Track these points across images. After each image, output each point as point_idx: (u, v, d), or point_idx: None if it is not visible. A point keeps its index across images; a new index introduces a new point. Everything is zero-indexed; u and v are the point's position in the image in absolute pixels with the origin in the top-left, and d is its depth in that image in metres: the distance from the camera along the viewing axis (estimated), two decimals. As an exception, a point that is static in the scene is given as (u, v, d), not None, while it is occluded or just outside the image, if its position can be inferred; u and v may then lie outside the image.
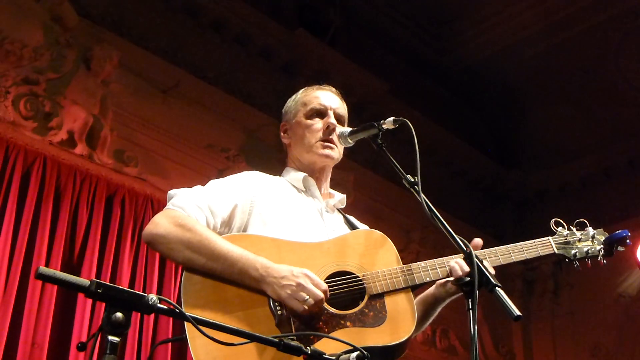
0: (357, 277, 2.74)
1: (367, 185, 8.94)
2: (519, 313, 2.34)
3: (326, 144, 3.10)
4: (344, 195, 3.24)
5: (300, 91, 3.32)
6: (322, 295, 2.57)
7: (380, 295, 2.71)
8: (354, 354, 2.15)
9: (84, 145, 6.63)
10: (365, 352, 2.14)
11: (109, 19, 7.32)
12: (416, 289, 2.84)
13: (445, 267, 2.80)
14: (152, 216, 2.91)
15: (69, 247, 6.16)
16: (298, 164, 3.18)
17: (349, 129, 3.06)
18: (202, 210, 2.80)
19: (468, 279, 2.44)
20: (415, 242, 9.41)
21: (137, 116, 7.24)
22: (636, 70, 10.14)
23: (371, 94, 9.11)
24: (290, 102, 3.31)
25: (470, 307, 2.38)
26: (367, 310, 2.67)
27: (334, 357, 2.16)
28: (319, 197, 3.13)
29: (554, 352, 10.53)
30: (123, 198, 6.62)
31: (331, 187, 3.28)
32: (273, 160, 7.72)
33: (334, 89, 3.30)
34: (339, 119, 3.18)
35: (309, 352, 2.09)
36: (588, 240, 3.04)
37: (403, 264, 2.83)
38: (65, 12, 6.77)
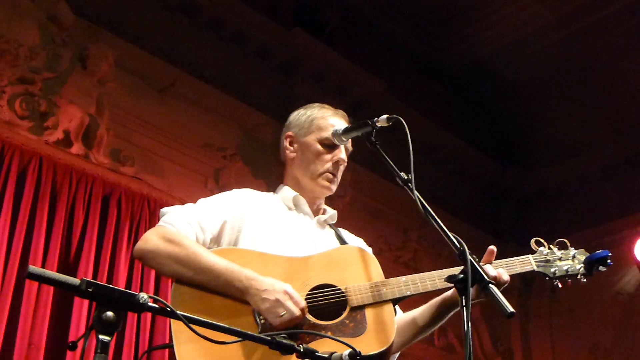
0: (340, 289, 2.84)
1: (365, 184, 8.93)
2: (512, 310, 2.36)
3: (330, 176, 3.17)
4: (335, 212, 3.31)
5: (315, 108, 3.33)
6: (298, 312, 2.67)
7: (361, 308, 2.81)
8: (347, 352, 2.16)
9: (80, 145, 6.62)
10: (358, 350, 2.15)
11: (105, 18, 7.30)
12: (398, 302, 2.95)
13: (426, 282, 2.89)
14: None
15: (66, 247, 6.15)
16: (295, 183, 3.24)
17: (343, 127, 3.09)
18: (192, 226, 2.91)
19: (461, 276, 2.44)
20: (413, 241, 9.40)
21: (134, 115, 7.23)
22: (635, 69, 10.13)
23: (369, 93, 9.11)
24: (302, 116, 3.31)
25: (464, 304, 2.39)
26: (347, 322, 2.77)
27: (326, 355, 2.18)
28: (309, 213, 3.20)
29: (552, 349, 10.54)
30: (119, 198, 6.60)
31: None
32: (270, 159, 7.73)
33: (345, 116, 3.32)
34: (347, 152, 3.25)
35: (302, 349, 2.09)
36: (568, 259, 3.09)
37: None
38: (61, 11, 6.75)
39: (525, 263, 3.06)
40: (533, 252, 3.11)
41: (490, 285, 2.41)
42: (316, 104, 3.37)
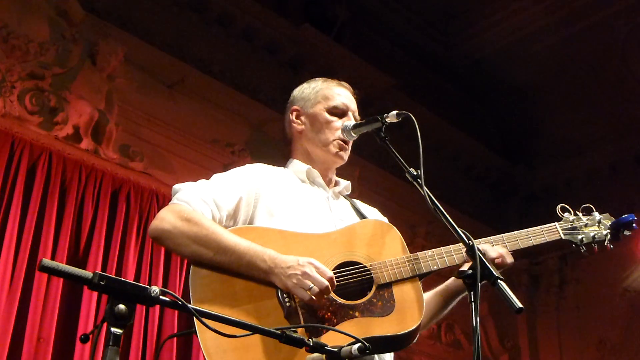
0: (365, 267, 2.76)
1: (373, 180, 8.93)
2: (520, 305, 2.32)
3: (342, 144, 3.12)
4: (349, 182, 3.25)
5: (319, 81, 3.32)
6: (327, 283, 2.58)
7: (388, 285, 2.73)
8: (356, 346, 2.15)
9: (90, 140, 6.65)
10: (367, 344, 2.13)
11: (115, 14, 7.33)
12: (424, 277, 2.87)
13: (452, 255, 2.83)
14: (158, 211, 2.93)
15: (75, 241, 6.18)
16: (306, 156, 3.19)
17: (352, 123, 3.07)
18: (208, 204, 2.81)
19: (470, 271, 2.42)
20: (421, 237, 9.40)
21: (143, 111, 7.25)
22: (643, 65, 10.12)
23: (377, 89, 9.09)
24: (307, 89, 3.29)
25: (472, 299, 2.36)
26: (375, 300, 2.69)
27: (335, 349, 2.16)
28: (323, 185, 3.14)
29: (559, 346, 10.53)
30: (128, 193, 6.63)
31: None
32: (278, 155, 7.71)
33: (350, 88, 3.31)
34: (355, 120, 3.19)
35: (311, 343, 2.08)
36: (594, 225, 3.02)
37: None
38: (70, 7, 6.78)
39: (552, 232, 2.99)
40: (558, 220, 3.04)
41: (499, 280, 2.38)
42: (318, 78, 3.35)
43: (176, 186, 2.92)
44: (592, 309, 10.31)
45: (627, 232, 2.97)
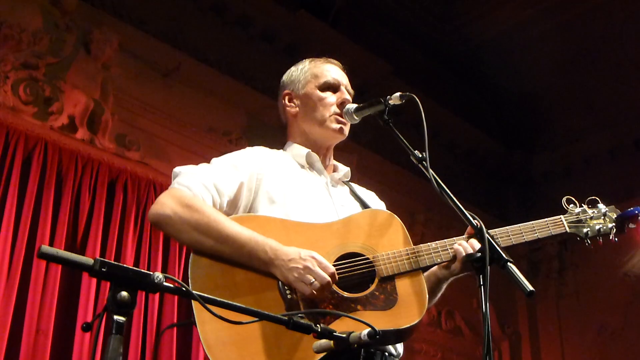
0: (367, 259, 2.71)
1: (371, 167, 8.88)
2: (532, 288, 2.30)
3: (340, 118, 3.07)
4: (348, 169, 3.21)
5: (307, 62, 3.27)
6: (328, 278, 2.54)
7: (391, 278, 2.68)
8: (365, 331, 2.10)
9: (85, 130, 6.58)
10: (377, 329, 2.09)
11: (109, 2, 7.25)
12: (427, 270, 2.82)
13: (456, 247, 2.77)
14: (155, 200, 2.86)
15: (72, 232, 6.12)
16: (304, 138, 3.14)
17: (355, 105, 3.03)
18: (209, 189, 2.76)
19: (479, 254, 2.37)
20: (420, 224, 9.38)
21: (138, 100, 7.19)
22: (640, 49, 10.08)
23: (375, 75, 9.03)
24: (296, 71, 3.25)
25: (481, 283, 2.32)
26: (377, 293, 2.64)
27: (344, 335, 2.12)
28: (323, 171, 3.10)
29: (559, 332, 10.53)
30: (125, 182, 6.58)
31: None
32: (276, 142, 7.67)
33: (339, 64, 3.27)
34: (351, 96, 3.16)
35: (319, 329, 2.04)
36: (600, 218, 2.97)
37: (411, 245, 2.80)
38: (64, -5, 6.71)
39: (557, 225, 2.94)
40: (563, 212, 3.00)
41: (508, 263, 2.34)
42: (305, 60, 3.31)
43: (176, 169, 2.88)
44: (592, 295, 10.31)
45: (632, 225, 2.95)
